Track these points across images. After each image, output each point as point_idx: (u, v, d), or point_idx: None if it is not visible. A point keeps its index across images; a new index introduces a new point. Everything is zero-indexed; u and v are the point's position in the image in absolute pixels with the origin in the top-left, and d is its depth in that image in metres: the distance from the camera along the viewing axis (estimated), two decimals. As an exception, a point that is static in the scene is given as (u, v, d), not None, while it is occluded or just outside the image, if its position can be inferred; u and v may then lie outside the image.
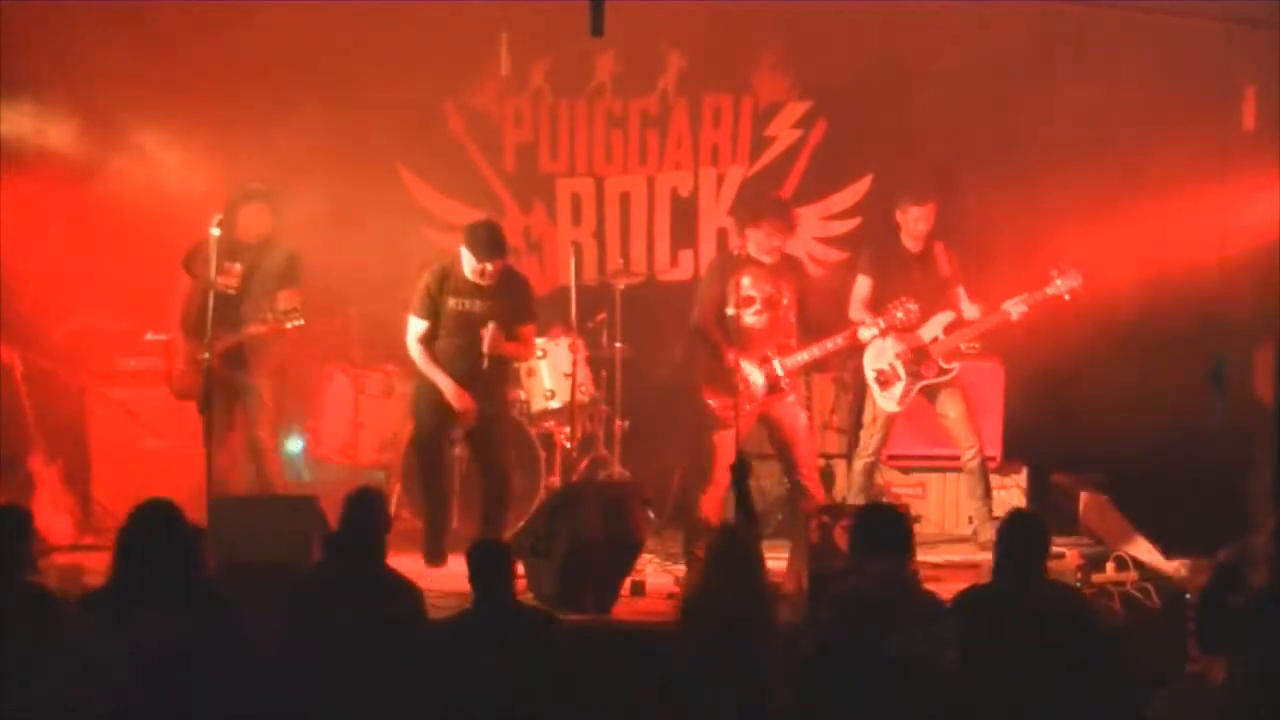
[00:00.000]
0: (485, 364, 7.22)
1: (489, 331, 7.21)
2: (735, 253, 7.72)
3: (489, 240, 7.20)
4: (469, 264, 7.21)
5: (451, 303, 7.26)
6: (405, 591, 5.33)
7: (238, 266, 7.55)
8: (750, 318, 7.52)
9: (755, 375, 7.46)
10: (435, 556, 7.31)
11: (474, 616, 5.18)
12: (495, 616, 5.12)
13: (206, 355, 7.18)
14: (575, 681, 5.05)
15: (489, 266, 7.15)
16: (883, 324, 7.57)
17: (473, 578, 5.20)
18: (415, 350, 7.32)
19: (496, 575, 5.19)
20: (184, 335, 7.68)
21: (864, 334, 7.61)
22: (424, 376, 7.34)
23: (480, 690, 4.91)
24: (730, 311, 7.44)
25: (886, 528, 5.23)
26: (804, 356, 7.57)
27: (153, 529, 4.93)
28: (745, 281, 7.51)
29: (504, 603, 5.18)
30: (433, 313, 7.27)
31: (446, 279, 7.28)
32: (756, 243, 7.55)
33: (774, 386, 7.51)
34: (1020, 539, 5.27)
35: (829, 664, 4.69)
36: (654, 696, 4.94)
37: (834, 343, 7.58)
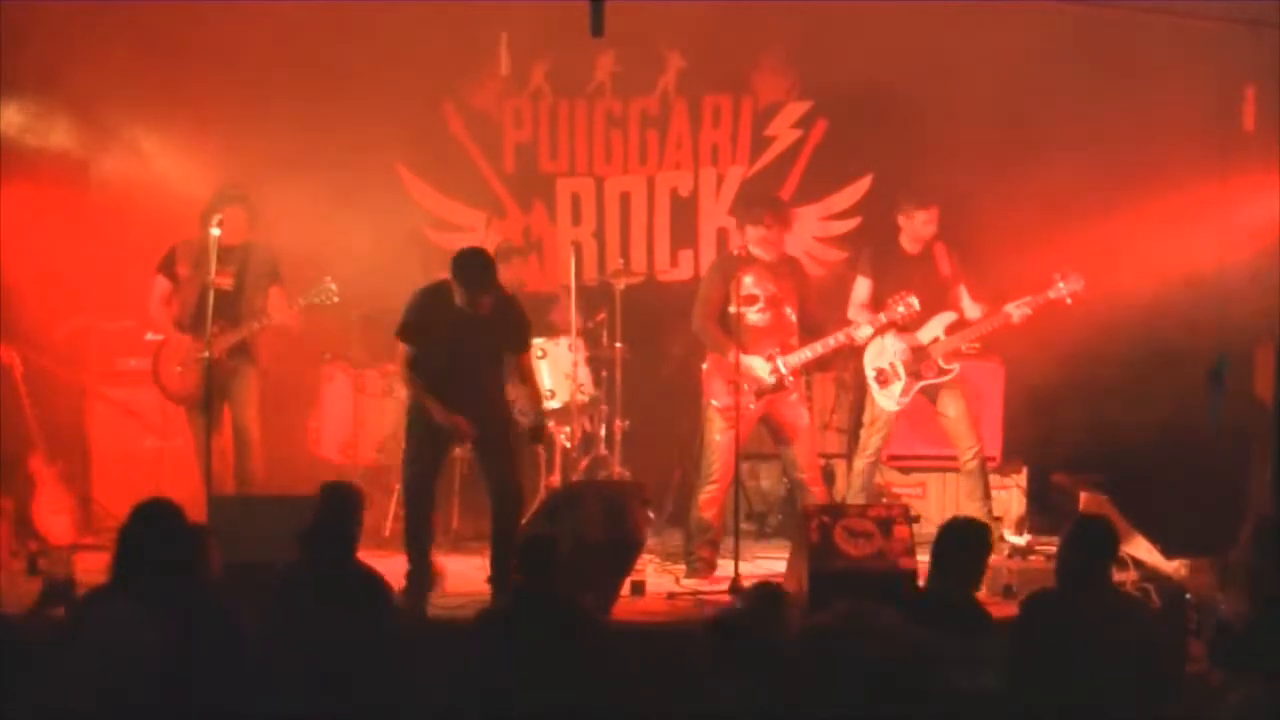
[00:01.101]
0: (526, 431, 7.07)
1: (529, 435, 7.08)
2: (736, 252, 7.72)
3: (481, 272, 6.72)
4: (460, 295, 6.71)
5: (441, 328, 6.76)
6: (374, 585, 5.34)
7: (231, 268, 7.60)
8: (754, 316, 7.54)
9: (761, 368, 7.47)
10: (417, 600, 6.69)
11: (515, 609, 5.18)
12: (537, 610, 5.10)
13: (207, 354, 7.21)
14: (617, 679, 5.02)
15: (485, 299, 6.71)
16: (883, 319, 7.59)
17: (521, 571, 5.21)
18: (407, 375, 6.89)
19: (543, 569, 5.18)
20: (179, 336, 7.73)
21: (863, 331, 7.62)
22: (415, 415, 6.92)
23: (515, 682, 4.89)
24: (734, 310, 7.47)
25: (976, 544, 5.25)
26: (806, 354, 7.59)
27: (153, 528, 4.93)
28: (748, 280, 7.53)
29: (547, 596, 5.16)
30: (421, 335, 6.81)
31: (437, 302, 6.80)
32: (756, 240, 7.57)
33: (778, 384, 7.53)
34: (1083, 545, 5.24)
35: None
36: (657, 697, 4.93)
37: (835, 340, 7.60)
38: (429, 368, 6.81)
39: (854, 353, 8.16)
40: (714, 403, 7.54)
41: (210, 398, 7.26)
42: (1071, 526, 5.38)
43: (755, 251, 7.58)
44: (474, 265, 6.74)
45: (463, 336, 6.75)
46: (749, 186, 9.36)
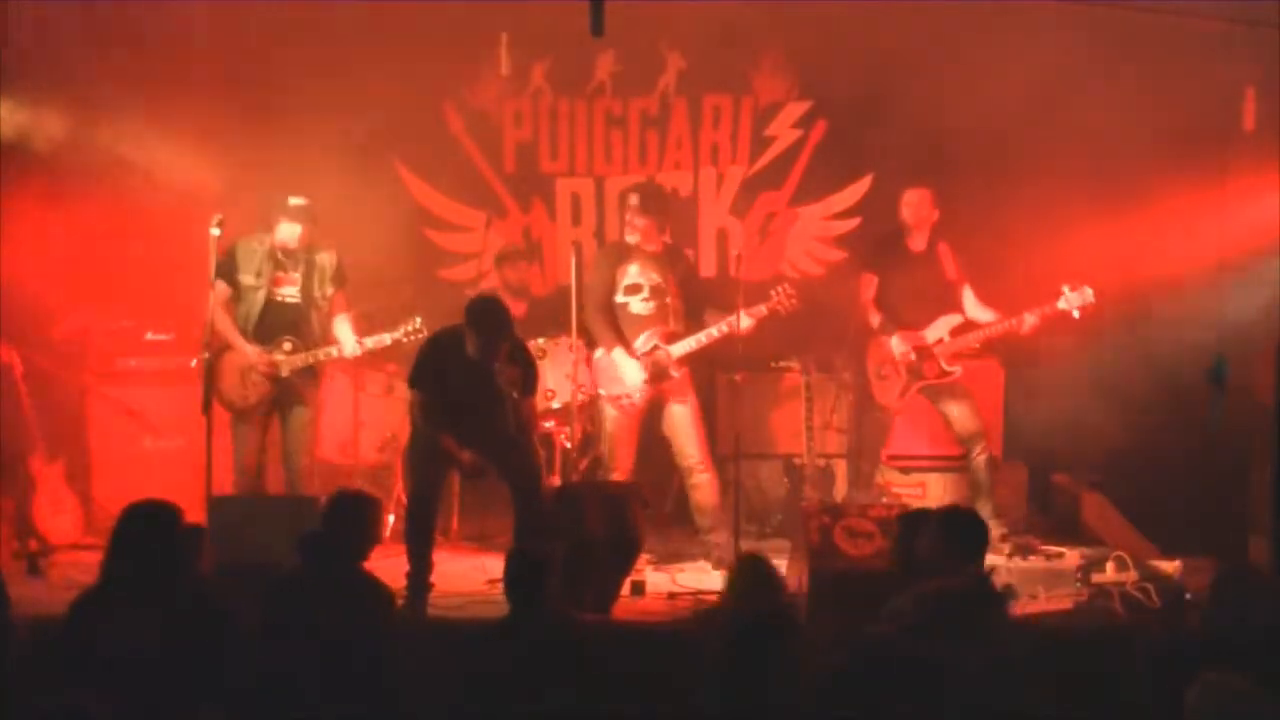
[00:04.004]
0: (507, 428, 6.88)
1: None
2: (622, 240, 7.83)
3: (497, 321, 6.77)
4: (474, 343, 6.74)
5: (453, 375, 6.82)
6: (376, 594, 5.34)
7: (295, 275, 7.50)
8: (638, 305, 7.68)
9: (633, 374, 7.62)
10: (417, 602, 6.74)
11: (510, 627, 5.15)
12: (530, 627, 5.08)
13: (207, 355, 7.20)
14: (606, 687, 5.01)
15: (501, 346, 6.73)
16: (764, 310, 7.56)
17: (508, 589, 5.19)
18: (420, 417, 6.91)
19: (532, 587, 5.15)
20: (241, 346, 7.42)
21: (744, 322, 7.51)
22: (420, 428, 6.94)
23: (512, 699, 4.88)
24: (619, 300, 7.64)
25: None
26: (690, 344, 7.64)
27: (140, 529, 4.93)
28: (632, 269, 7.69)
29: (539, 613, 5.13)
30: (433, 382, 6.87)
31: (448, 348, 6.85)
32: (633, 230, 7.71)
33: (663, 374, 7.59)
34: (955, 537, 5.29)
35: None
36: (659, 697, 4.94)
37: (719, 329, 7.60)
38: (441, 409, 6.85)
39: (855, 352, 8.19)
40: (602, 392, 7.68)
41: (210, 400, 7.22)
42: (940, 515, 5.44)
43: (631, 240, 7.72)
44: (490, 316, 6.78)
45: (474, 382, 6.76)
46: (749, 186, 9.38)
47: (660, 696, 4.96)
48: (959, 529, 5.31)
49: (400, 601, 6.50)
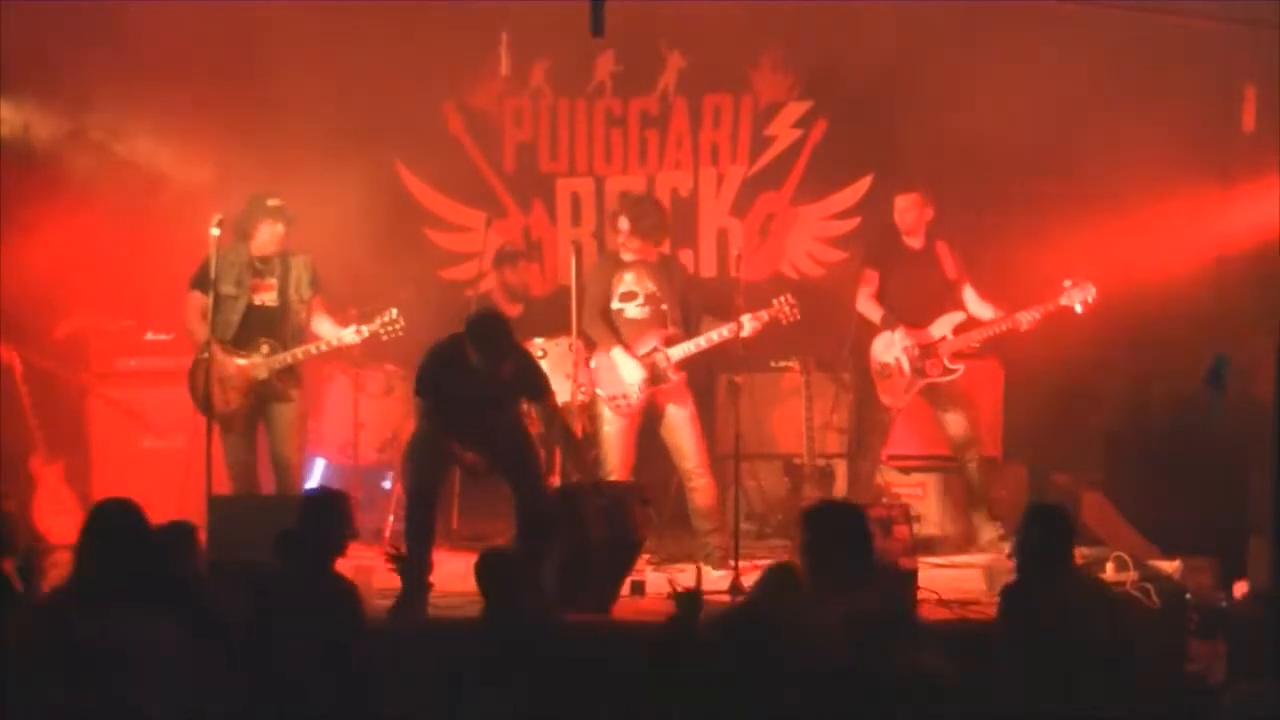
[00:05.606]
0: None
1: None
2: (618, 252, 7.87)
3: (499, 340, 6.74)
4: (477, 360, 6.71)
5: (457, 384, 6.77)
6: (345, 593, 5.36)
7: (272, 280, 7.53)
8: (634, 310, 7.73)
9: (631, 373, 7.62)
10: (416, 601, 6.67)
11: (486, 628, 5.14)
12: (507, 629, 5.07)
13: (205, 355, 7.20)
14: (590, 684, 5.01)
15: (504, 365, 6.72)
16: (765, 316, 7.58)
17: (482, 591, 5.19)
18: (424, 425, 6.94)
19: (507, 587, 5.14)
20: (226, 353, 7.44)
21: (747, 326, 7.56)
22: (422, 427, 6.95)
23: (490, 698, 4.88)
24: (615, 306, 7.70)
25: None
26: (690, 347, 7.67)
27: (107, 528, 4.93)
28: (628, 277, 7.76)
29: (516, 615, 5.12)
30: (437, 391, 6.86)
31: (452, 358, 6.80)
32: (625, 245, 7.77)
33: (661, 377, 7.62)
34: (1040, 530, 5.29)
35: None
36: (656, 697, 4.93)
37: (719, 334, 7.63)
38: (445, 414, 6.86)
39: (856, 349, 8.19)
40: (600, 392, 7.67)
41: (209, 400, 7.23)
42: (1028, 512, 5.43)
43: (627, 257, 7.77)
44: (491, 333, 6.77)
45: (474, 388, 6.75)
46: (749, 186, 9.39)
47: (659, 696, 4.95)
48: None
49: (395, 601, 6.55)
